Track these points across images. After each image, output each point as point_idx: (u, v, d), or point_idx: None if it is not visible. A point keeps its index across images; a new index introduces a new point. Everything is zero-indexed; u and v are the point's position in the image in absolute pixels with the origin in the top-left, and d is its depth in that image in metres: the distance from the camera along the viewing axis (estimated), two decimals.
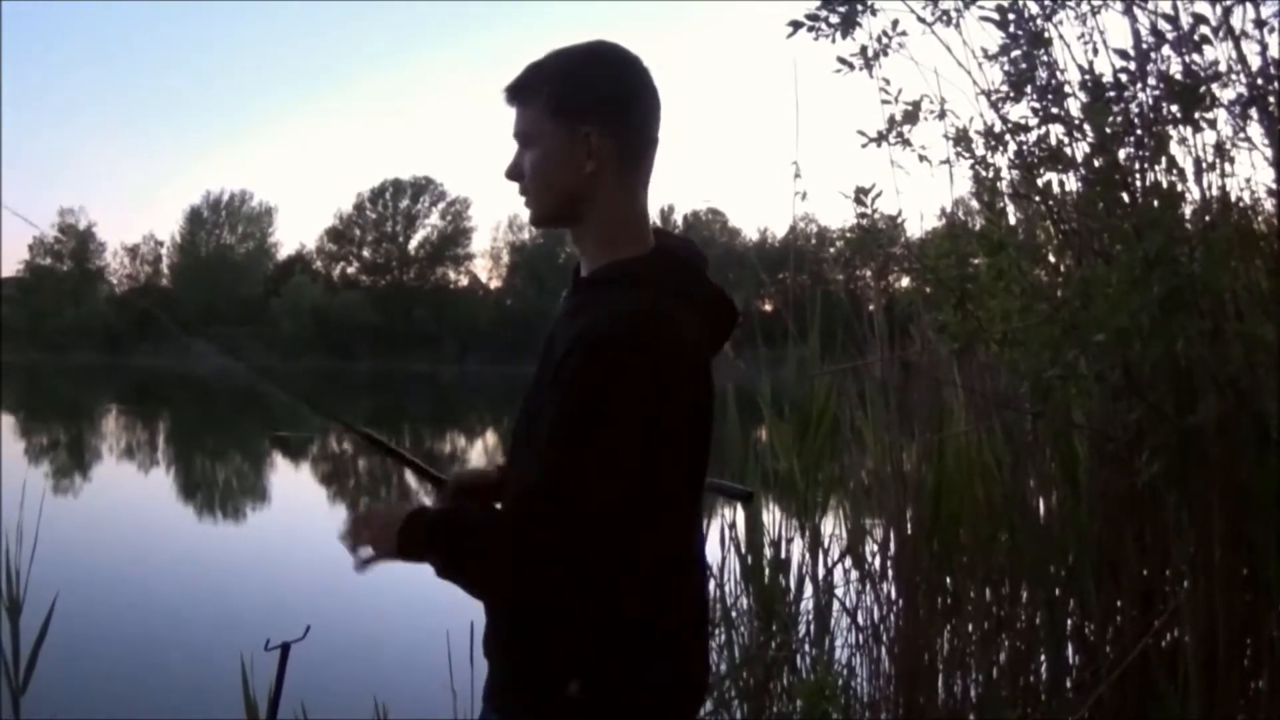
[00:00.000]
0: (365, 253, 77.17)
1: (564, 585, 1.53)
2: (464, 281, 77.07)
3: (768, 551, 4.12)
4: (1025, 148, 3.35)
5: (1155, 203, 3.13)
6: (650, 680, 1.62)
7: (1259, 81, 3.13)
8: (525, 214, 1.77)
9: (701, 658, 1.76)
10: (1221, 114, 3.15)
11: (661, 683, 1.63)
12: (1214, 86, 3.09)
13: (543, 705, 1.60)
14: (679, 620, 1.68)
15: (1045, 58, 3.28)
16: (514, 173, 1.72)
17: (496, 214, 77.13)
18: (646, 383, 1.53)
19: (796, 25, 3.40)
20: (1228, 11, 3.09)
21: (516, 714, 1.65)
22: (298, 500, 15.69)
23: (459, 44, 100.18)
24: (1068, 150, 3.29)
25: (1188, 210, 3.23)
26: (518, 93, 1.70)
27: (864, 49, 3.42)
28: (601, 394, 1.52)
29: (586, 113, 1.65)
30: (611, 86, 1.68)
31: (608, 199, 1.68)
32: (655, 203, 1.79)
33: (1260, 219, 3.32)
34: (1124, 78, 3.19)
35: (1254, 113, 3.16)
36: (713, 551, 4.12)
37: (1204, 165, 3.21)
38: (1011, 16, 3.26)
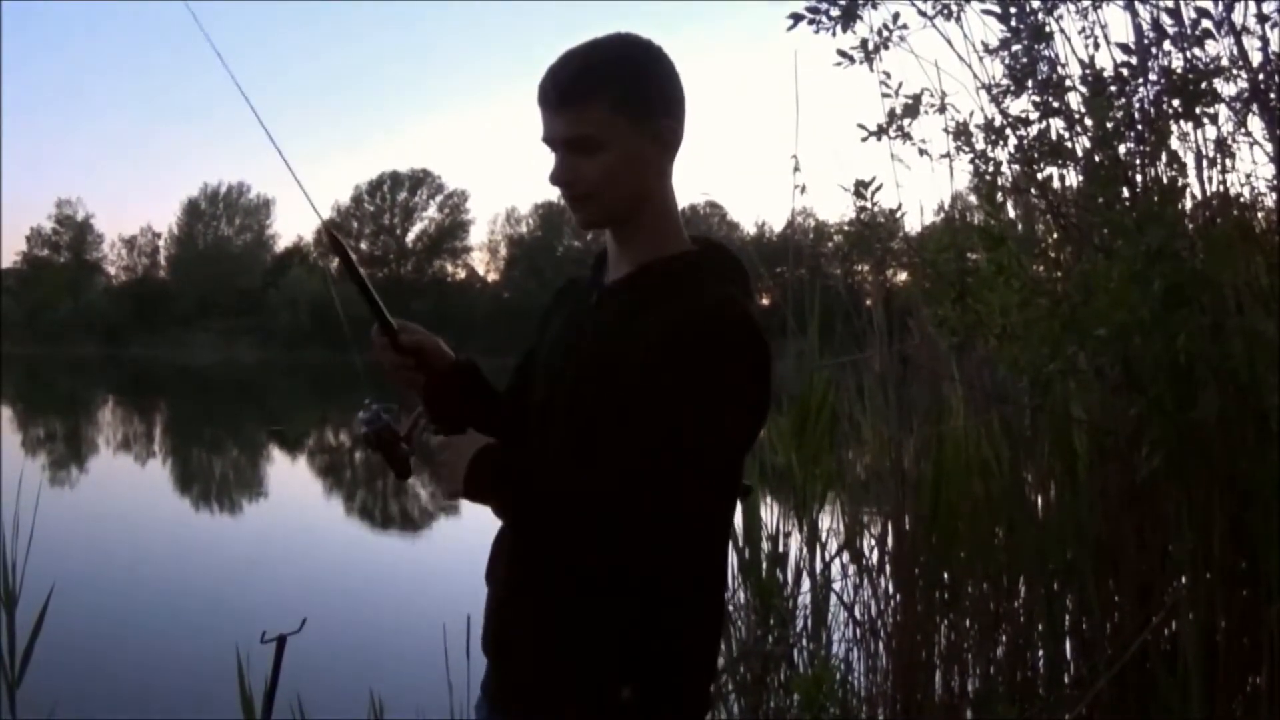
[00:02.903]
0: (363, 245, 76.95)
1: (663, 547, 1.50)
2: (461, 274, 77.00)
3: (765, 546, 4.11)
4: (1026, 142, 3.33)
5: (1156, 198, 3.12)
6: (695, 679, 1.61)
7: (1260, 77, 3.12)
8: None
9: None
10: (1223, 109, 3.15)
11: (703, 680, 1.63)
12: (1215, 81, 3.08)
13: (590, 710, 1.55)
14: (717, 615, 1.67)
15: (1046, 52, 3.27)
16: (568, 178, 1.59)
17: (494, 207, 77.16)
18: (752, 367, 1.53)
19: (797, 18, 3.38)
20: (1229, 6, 3.08)
21: (556, 717, 1.59)
22: (294, 493, 15.71)
23: (466, 50, 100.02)
24: (1068, 145, 3.28)
25: (1189, 205, 3.23)
26: (572, 96, 1.55)
27: (864, 42, 3.41)
28: (722, 372, 1.50)
29: (656, 108, 1.59)
30: (668, 77, 1.62)
31: (663, 193, 1.64)
32: None
33: (1261, 214, 3.31)
34: (1125, 72, 3.18)
35: (1255, 108, 3.15)
36: None
37: (1205, 160, 3.20)
38: (1013, 10, 3.24)
